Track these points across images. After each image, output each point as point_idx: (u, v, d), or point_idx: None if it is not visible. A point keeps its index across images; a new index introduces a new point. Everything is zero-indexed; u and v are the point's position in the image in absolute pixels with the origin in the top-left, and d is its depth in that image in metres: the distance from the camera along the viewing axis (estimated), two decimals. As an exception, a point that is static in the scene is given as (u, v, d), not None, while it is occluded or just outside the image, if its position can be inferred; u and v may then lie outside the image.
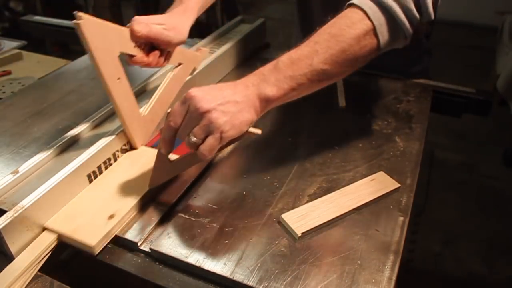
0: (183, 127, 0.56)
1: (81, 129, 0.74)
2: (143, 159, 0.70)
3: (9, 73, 1.12)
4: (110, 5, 3.01)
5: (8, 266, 0.53)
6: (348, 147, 0.76)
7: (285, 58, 0.59)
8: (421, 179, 0.69)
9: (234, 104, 0.55)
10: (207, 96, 0.55)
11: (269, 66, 0.59)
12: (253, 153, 0.74)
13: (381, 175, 0.67)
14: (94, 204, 0.61)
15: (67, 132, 0.73)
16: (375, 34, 0.60)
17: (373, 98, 0.92)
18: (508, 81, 2.08)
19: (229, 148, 0.76)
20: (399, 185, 0.65)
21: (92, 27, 0.60)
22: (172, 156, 0.63)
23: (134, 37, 0.66)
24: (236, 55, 1.05)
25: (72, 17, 0.60)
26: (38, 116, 0.85)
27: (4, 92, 1.02)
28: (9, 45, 1.23)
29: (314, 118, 0.84)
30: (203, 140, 0.55)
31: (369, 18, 0.59)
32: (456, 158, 2.22)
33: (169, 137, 0.57)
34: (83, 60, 1.10)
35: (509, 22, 2.32)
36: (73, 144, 0.72)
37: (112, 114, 0.80)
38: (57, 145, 0.69)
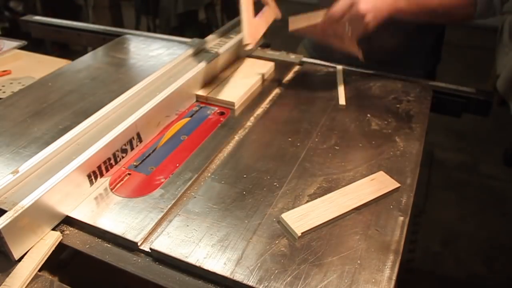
0: (344, 20, 0.80)
1: (81, 128, 0.73)
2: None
3: (9, 73, 1.12)
4: (110, 5, 3.00)
5: (15, 270, 0.53)
6: (348, 147, 0.76)
7: None
8: (421, 179, 0.69)
9: (380, 11, 0.80)
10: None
11: None
12: (253, 153, 0.74)
13: (381, 175, 0.67)
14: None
15: (67, 132, 0.73)
16: (474, 5, 0.87)
17: (373, 98, 0.92)
18: (508, 81, 2.07)
19: (229, 148, 0.76)
20: (399, 185, 0.65)
21: None
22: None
23: None
24: (236, 55, 1.05)
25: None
26: (38, 116, 0.85)
27: (4, 92, 1.02)
28: (9, 45, 1.23)
29: (314, 117, 0.84)
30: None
31: None
32: (456, 158, 2.22)
33: (330, 23, 0.82)
34: (83, 60, 1.10)
35: (509, 22, 2.32)
36: (73, 144, 0.72)
37: (112, 114, 0.79)
38: (57, 145, 0.69)
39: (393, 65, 1.02)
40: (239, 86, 0.91)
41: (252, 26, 0.85)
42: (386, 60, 1.02)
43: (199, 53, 1.04)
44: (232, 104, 0.86)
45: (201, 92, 0.89)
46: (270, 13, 0.95)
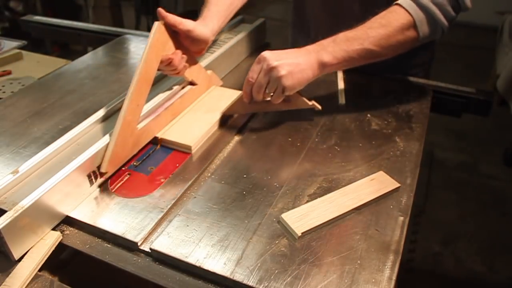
0: (258, 81, 0.73)
1: (81, 128, 0.73)
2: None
3: (9, 73, 1.12)
4: (110, 5, 3.01)
5: (15, 270, 0.53)
6: (348, 147, 0.76)
7: (342, 35, 0.74)
8: (421, 179, 0.69)
9: (297, 64, 0.71)
10: (276, 56, 0.71)
11: (328, 40, 0.75)
12: (253, 153, 0.74)
13: (381, 175, 0.67)
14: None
15: (67, 132, 0.73)
16: (415, 28, 0.75)
17: (373, 98, 0.92)
18: (508, 81, 2.08)
19: (229, 148, 0.76)
20: (399, 184, 0.65)
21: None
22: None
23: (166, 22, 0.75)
24: (236, 55, 1.05)
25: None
26: (38, 116, 0.85)
27: (4, 92, 1.02)
28: (9, 45, 1.23)
29: (314, 118, 0.84)
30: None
31: (410, 14, 0.74)
32: (456, 158, 2.22)
33: (249, 90, 0.75)
34: (83, 60, 1.10)
35: (509, 22, 2.32)
36: (74, 144, 0.72)
37: (112, 114, 0.79)
38: (57, 145, 0.69)
39: (391, 66, 1.02)
40: (199, 125, 0.79)
41: (119, 152, 0.69)
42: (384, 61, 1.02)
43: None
44: (189, 148, 0.74)
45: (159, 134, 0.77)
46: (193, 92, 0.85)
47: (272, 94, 0.74)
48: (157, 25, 0.72)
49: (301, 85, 0.73)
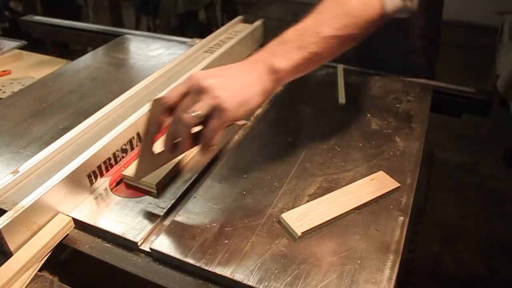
0: (183, 104, 0.52)
1: (81, 128, 0.73)
2: None
3: (9, 73, 1.12)
4: (110, 5, 3.01)
5: (6, 263, 0.53)
6: (348, 147, 0.76)
7: (290, 32, 0.58)
8: (421, 179, 0.69)
9: (238, 81, 0.53)
10: (209, 75, 0.52)
11: (274, 42, 0.58)
12: (253, 153, 0.74)
13: (381, 175, 0.67)
14: None
15: (67, 132, 0.73)
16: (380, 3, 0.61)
17: (373, 98, 0.92)
18: (508, 81, 2.07)
19: (229, 148, 0.76)
20: (399, 184, 0.65)
21: None
22: (156, 148, 0.59)
23: None
24: (236, 55, 1.05)
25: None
26: (38, 116, 0.85)
27: (4, 92, 1.02)
28: (9, 45, 1.23)
29: (314, 117, 0.84)
30: (205, 119, 0.51)
31: None
32: (456, 158, 2.22)
33: (156, 113, 0.53)
34: (83, 60, 1.10)
35: (509, 22, 2.32)
36: (73, 144, 0.72)
37: (113, 114, 0.79)
38: (57, 145, 0.69)
39: (392, 65, 1.02)
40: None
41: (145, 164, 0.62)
42: (385, 59, 1.02)
43: (199, 53, 1.04)
44: (153, 187, 0.65)
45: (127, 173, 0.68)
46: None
47: (199, 127, 0.53)
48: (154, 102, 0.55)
49: (247, 108, 0.53)
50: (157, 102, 0.53)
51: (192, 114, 0.50)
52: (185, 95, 0.52)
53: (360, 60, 1.01)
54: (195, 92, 0.51)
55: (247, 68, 0.55)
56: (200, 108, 0.50)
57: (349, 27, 0.59)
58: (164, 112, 0.52)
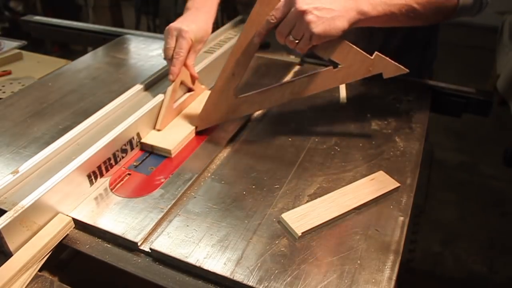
0: (283, 23, 0.65)
1: (81, 128, 0.73)
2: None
3: (9, 73, 1.12)
4: (110, 5, 3.00)
5: (6, 263, 0.53)
6: (348, 147, 0.76)
7: None
8: (421, 179, 0.69)
9: (330, 11, 0.64)
10: None
11: None
12: (253, 153, 0.74)
13: (381, 175, 0.67)
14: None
15: (67, 132, 0.73)
16: None
17: (373, 98, 0.92)
18: (508, 81, 2.08)
19: (229, 148, 0.76)
20: (399, 184, 0.65)
21: None
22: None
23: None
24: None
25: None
26: (38, 116, 0.85)
27: (4, 92, 1.02)
28: (9, 45, 1.23)
29: (314, 118, 0.84)
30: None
31: None
32: (456, 158, 2.22)
33: (266, 30, 0.67)
34: (83, 60, 1.10)
35: (509, 22, 2.32)
36: (73, 144, 0.72)
37: (113, 114, 0.79)
38: (57, 145, 0.69)
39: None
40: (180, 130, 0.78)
41: (169, 114, 0.80)
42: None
43: (199, 53, 1.04)
44: (169, 151, 0.73)
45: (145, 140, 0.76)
46: (193, 96, 0.87)
47: (297, 41, 0.66)
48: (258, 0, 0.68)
49: (332, 35, 0.65)
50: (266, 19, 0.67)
51: (290, 40, 0.66)
52: (287, 12, 0.65)
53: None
54: (294, 14, 0.64)
55: (340, 3, 0.65)
56: (295, 35, 0.66)
57: (427, 6, 0.70)
58: (270, 28, 0.67)
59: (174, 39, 0.80)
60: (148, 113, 0.76)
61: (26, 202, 0.56)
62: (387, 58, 0.69)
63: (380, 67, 0.70)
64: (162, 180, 0.68)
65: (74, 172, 0.62)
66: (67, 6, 3.00)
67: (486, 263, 1.64)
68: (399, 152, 0.74)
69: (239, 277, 0.52)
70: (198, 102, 0.86)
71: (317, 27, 0.63)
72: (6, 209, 0.58)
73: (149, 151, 0.75)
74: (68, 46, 2.91)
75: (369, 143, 0.76)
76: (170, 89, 0.79)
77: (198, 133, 0.79)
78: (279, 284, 0.51)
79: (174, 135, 0.76)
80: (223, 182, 0.67)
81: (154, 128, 0.78)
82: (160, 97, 0.80)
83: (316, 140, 0.77)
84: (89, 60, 1.10)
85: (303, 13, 0.63)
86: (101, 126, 0.76)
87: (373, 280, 0.51)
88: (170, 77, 0.79)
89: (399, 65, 0.70)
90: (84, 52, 1.34)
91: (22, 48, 1.23)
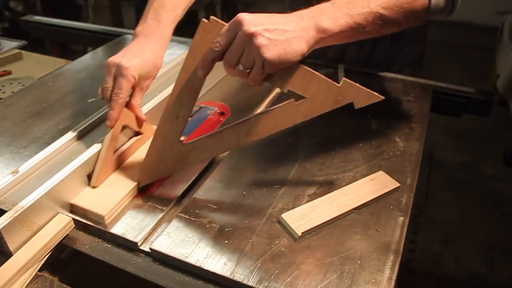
0: (230, 51, 0.56)
1: (81, 128, 0.73)
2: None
3: (9, 73, 1.12)
4: (110, 5, 3.01)
5: (6, 263, 0.53)
6: (348, 147, 0.76)
7: None
8: (421, 179, 0.69)
9: (284, 32, 0.55)
10: (255, 20, 0.54)
11: (325, 3, 0.60)
12: (253, 153, 0.74)
13: (381, 175, 0.67)
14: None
15: (67, 132, 0.73)
16: None
17: (373, 98, 0.91)
18: (508, 81, 2.07)
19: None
20: (399, 184, 0.65)
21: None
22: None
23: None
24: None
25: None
26: (38, 116, 0.85)
27: (4, 92, 1.02)
28: (9, 45, 1.23)
29: (314, 118, 0.84)
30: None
31: None
32: (456, 158, 2.22)
33: (210, 60, 0.57)
34: (83, 60, 1.10)
35: (509, 22, 2.32)
36: (73, 144, 0.72)
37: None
38: (57, 145, 0.69)
39: (387, 62, 1.01)
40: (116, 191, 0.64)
41: (107, 167, 0.66)
42: (380, 58, 1.01)
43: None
44: (102, 217, 0.60)
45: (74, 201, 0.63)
46: (141, 140, 0.74)
47: (248, 70, 0.56)
48: (201, 24, 0.57)
49: (289, 60, 0.56)
50: (210, 49, 0.57)
51: (240, 69, 0.56)
52: (233, 37, 0.55)
53: (360, 61, 1.01)
54: (241, 39, 0.54)
55: (294, 23, 0.56)
56: (245, 64, 0.56)
57: (395, 10, 0.63)
58: (216, 57, 0.57)
59: (112, 77, 0.67)
60: (149, 113, 0.75)
61: (26, 202, 0.56)
62: (357, 85, 0.59)
63: (349, 95, 0.61)
64: (162, 180, 0.68)
65: (74, 172, 0.62)
66: (67, 6, 3.00)
67: (486, 263, 1.64)
68: (399, 152, 0.74)
69: (239, 277, 0.52)
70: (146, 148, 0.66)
71: (269, 52, 0.54)
72: (6, 209, 0.58)
73: (81, 215, 0.61)
74: (68, 46, 2.91)
75: (369, 143, 0.76)
76: (108, 137, 0.66)
77: (141, 190, 0.66)
78: (279, 284, 0.51)
79: (110, 196, 0.63)
80: (223, 182, 0.67)
81: (88, 185, 0.65)
82: (159, 97, 0.79)
83: (316, 140, 0.77)
84: (89, 60, 1.10)
85: (251, 36, 0.54)
86: (102, 126, 0.76)
87: (373, 280, 0.51)
88: (108, 123, 0.66)
89: (373, 92, 0.61)
90: (84, 52, 1.34)
91: (22, 48, 1.23)
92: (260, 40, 0.54)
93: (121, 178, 0.67)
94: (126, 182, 0.66)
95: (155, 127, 0.66)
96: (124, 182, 0.65)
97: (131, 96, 0.69)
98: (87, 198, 0.62)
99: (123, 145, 0.71)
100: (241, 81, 0.59)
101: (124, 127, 0.69)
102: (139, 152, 0.73)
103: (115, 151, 0.69)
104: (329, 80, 0.58)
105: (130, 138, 0.73)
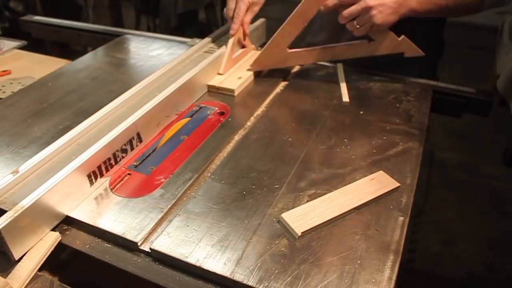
0: (350, 11, 0.83)
1: (81, 128, 0.73)
2: None
3: (9, 73, 1.12)
4: (110, 5, 3.00)
5: (14, 270, 0.53)
6: (349, 147, 0.76)
7: None
8: (421, 179, 0.69)
9: (389, 7, 0.83)
10: None
11: None
12: (253, 153, 0.74)
13: (380, 175, 0.67)
14: None
15: (67, 132, 0.73)
16: None
17: (373, 98, 0.92)
18: (508, 81, 2.07)
19: (229, 148, 0.76)
20: (399, 184, 0.65)
21: None
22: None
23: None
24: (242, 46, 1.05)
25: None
26: (38, 116, 0.85)
27: (4, 92, 1.02)
28: (9, 45, 1.23)
29: (314, 118, 0.84)
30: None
31: None
32: (456, 158, 2.22)
33: (333, 6, 0.84)
34: (83, 60, 1.10)
35: (509, 22, 2.31)
36: (73, 144, 0.72)
37: (113, 114, 0.79)
38: (57, 145, 0.69)
39: (395, 66, 1.01)
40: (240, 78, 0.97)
41: (229, 62, 0.98)
42: (388, 60, 1.01)
43: (199, 53, 1.04)
44: (232, 91, 0.92)
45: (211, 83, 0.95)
46: (245, 52, 1.05)
47: (358, 26, 0.84)
48: None
49: (387, 26, 0.85)
50: None
51: (353, 24, 0.85)
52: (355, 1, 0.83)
53: (361, 61, 1.02)
54: (363, 6, 0.82)
55: (397, 1, 0.83)
56: (359, 23, 0.85)
57: (459, 6, 0.89)
58: (337, 8, 0.85)
59: (234, 2, 0.98)
60: (149, 113, 0.76)
61: (26, 202, 0.56)
62: (410, 42, 0.90)
63: (403, 47, 0.90)
64: (162, 180, 0.68)
65: (74, 172, 0.62)
66: (67, 6, 3.00)
67: (486, 263, 1.64)
68: (399, 152, 0.74)
69: (239, 277, 0.52)
70: (248, 57, 1.04)
71: (378, 20, 0.83)
72: (6, 209, 0.58)
73: (214, 91, 0.93)
74: (68, 46, 2.90)
75: (369, 143, 0.76)
76: (230, 41, 0.98)
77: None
78: (279, 284, 0.51)
79: (234, 79, 0.95)
80: (223, 182, 0.67)
81: (218, 73, 0.96)
82: (159, 97, 0.80)
83: (316, 140, 0.77)
84: (89, 60, 1.10)
85: (370, 8, 0.81)
86: (101, 126, 0.76)
87: (373, 280, 0.51)
88: (231, 32, 0.97)
89: (418, 48, 0.90)
90: (84, 52, 1.34)
91: (22, 48, 1.23)
92: (374, 12, 0.82)
93: (238, 69, 0.99)
94: (243, 72, 0.98)
95: (253, 46, 1.08)
96: (242, 71, 0.99)
97: (244, 16, 0.98)
98: (218, 81, 0.94)
99: (237, 51, 1.02)
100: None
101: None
102: (243, 61, 1.03)
103: (233, 53, 0.99)
104: (394, 34, 0.89)
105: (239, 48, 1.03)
